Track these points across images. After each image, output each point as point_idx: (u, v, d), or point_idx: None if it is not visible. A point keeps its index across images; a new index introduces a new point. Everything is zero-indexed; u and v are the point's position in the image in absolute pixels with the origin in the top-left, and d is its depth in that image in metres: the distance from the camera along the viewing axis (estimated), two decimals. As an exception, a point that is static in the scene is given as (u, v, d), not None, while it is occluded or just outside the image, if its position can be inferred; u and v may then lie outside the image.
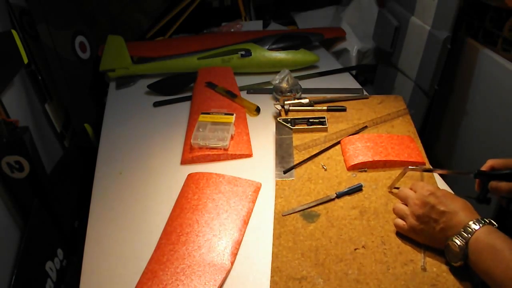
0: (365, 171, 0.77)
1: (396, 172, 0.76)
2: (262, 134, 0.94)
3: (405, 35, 1.26)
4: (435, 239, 0.58)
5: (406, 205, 0.63)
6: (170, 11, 1.56)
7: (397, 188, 0.71)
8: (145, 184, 0.81)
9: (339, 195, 0.71)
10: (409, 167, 0.70)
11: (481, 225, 0.53)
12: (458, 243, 0.53)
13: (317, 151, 0.82)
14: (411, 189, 0.64)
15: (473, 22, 1.08)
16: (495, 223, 0.54)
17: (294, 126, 0.90)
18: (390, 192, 0.72)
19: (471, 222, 0.54)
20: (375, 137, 0.82)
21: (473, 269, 0.53)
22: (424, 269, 0.58)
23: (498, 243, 0.51)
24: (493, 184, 0.63)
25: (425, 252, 0.60)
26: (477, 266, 0.52)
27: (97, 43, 1.36)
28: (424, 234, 0.59)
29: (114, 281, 0.62)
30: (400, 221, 0.63)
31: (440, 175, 0.78)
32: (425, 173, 0.75)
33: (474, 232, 0.53)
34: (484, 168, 0.66)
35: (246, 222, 0.70)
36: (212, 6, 1.65)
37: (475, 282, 0.55)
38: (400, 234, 0.63)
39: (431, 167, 0.78)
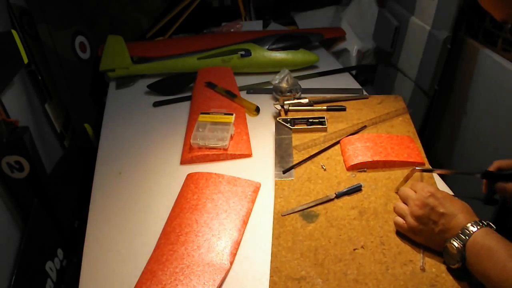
0: (365, 171, 0.77)
1: (396, 172, 0.76)
2: (262, 134, 0.94)
3: (405, 35, 1.26)
4: (433, 241, 0.58)
5: (407, 204, 0.63)
6: (170, 11, 1.56)
7: None
8: (144, 184, 0.82)
9: (339, 195, 0.71)
10: (416, 167, 0.69)
11: (479, 227, 0.53)
12: (456, 245, 0.54)
13: (317, 151, 0.82)
14: (411, 189, 0.64)
15: (473, 22, 1.08)
16: (493, 225, 0.54)
17: (293, 126, 0.90)
18: (397, 193, 0.71)
19: (469, 224, 0.54)
20: (375, 137, 0.82)
21: (470, 271, 0.53)
22: (423, 270, 0.58)
23: (494, 244, 0.51)
24: (500, 185, 0.63)
25: (424, 253, 0.60)
26: (475, 268, 0.52)
27: (97, 43, 1.36)
28: (423, 235, 0.59)
29: (114, 281, 0.62)
30: (400, 220, 0.63)
31: (440, 175, 0.78)
32: (424, 174, 0.75)
33: (472, 234, 0.53)
34: (491, 168, 0.65)
35: (245, 222, 0.70)
36: (212, 6, 1.65)
37: (474, 283, 0.55)
38: (400, 234, 0.63)
39: (430, 167, 0.78)
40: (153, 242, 0.67)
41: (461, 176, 0.68)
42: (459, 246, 0.53)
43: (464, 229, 0.54)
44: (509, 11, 0.53)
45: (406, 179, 0.70)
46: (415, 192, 0.62)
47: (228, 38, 1.37)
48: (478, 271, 0.52)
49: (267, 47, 1.24)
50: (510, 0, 0.52)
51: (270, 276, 0.58)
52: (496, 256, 0.50)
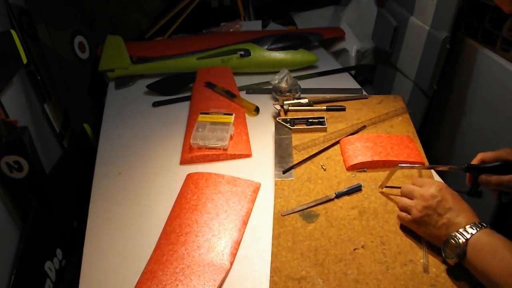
0: (365, 171, 0.77)
1: (396, 172, 0.76)
2: (262, 134, 0.94)
3: (404, 35, 1.26)
4: (435, 234, 0.58)
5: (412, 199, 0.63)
6: (169, 11, 1.56)
7: (389, 187, 0.71)
8: (144, 184, 0.81)
9: (339, 195, 0.71)
10: (400, 165, 0.70)
11: (484, 227, 0.54)
12: (458, 239, 0.54)
13: (316, 151, 0.82)
14: (414, 185, 0.64)
15: (472, 22, 1.08)
16: (495, 231, 0.55)
17: (293, 126, 0.90)
18: (381, 192, 0.72)
19: (472, 223, 0.55)
20: (374, 137, 0.82)
21: (468, 267, 0.54)
22: (425, 268, 0.57)
23: (499, 243, 0.52)
24: (484, 177, 0.64)
25: (426, 250, 0.60)
26: (475, 263, 0.52)
27: (96, 43, 1.36)
28: (426, 227, 0.59)
29: (113, 281, 0.62)
30: (403, 213, 0.63)
31: (438, 174, 0.78)
32: (423, 171, 0.76)
33: (477, 231, 0.53)
34: (474, 161, 0.66)
35: (245, 222, 0.70)
36: (211, 6, 1.65)
37: (474, 283, 0.55)
38: (400, 234, 0.63)
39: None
40: (153, 242, 0.67)
41: (452, 170, 0.68)
42: (461, 240, 0.54)
43: (468, 226, 0.54)
44: None
45: (390, 177, 0.70)
46: (420, 187, 0.63)
47: (227, 38, 1.37)
48: (478, 268, 0.52)
49: (266, 47, 1.24)
50: None
51: (270, 276, 0.58)
52: (501, 253, 0.50)
